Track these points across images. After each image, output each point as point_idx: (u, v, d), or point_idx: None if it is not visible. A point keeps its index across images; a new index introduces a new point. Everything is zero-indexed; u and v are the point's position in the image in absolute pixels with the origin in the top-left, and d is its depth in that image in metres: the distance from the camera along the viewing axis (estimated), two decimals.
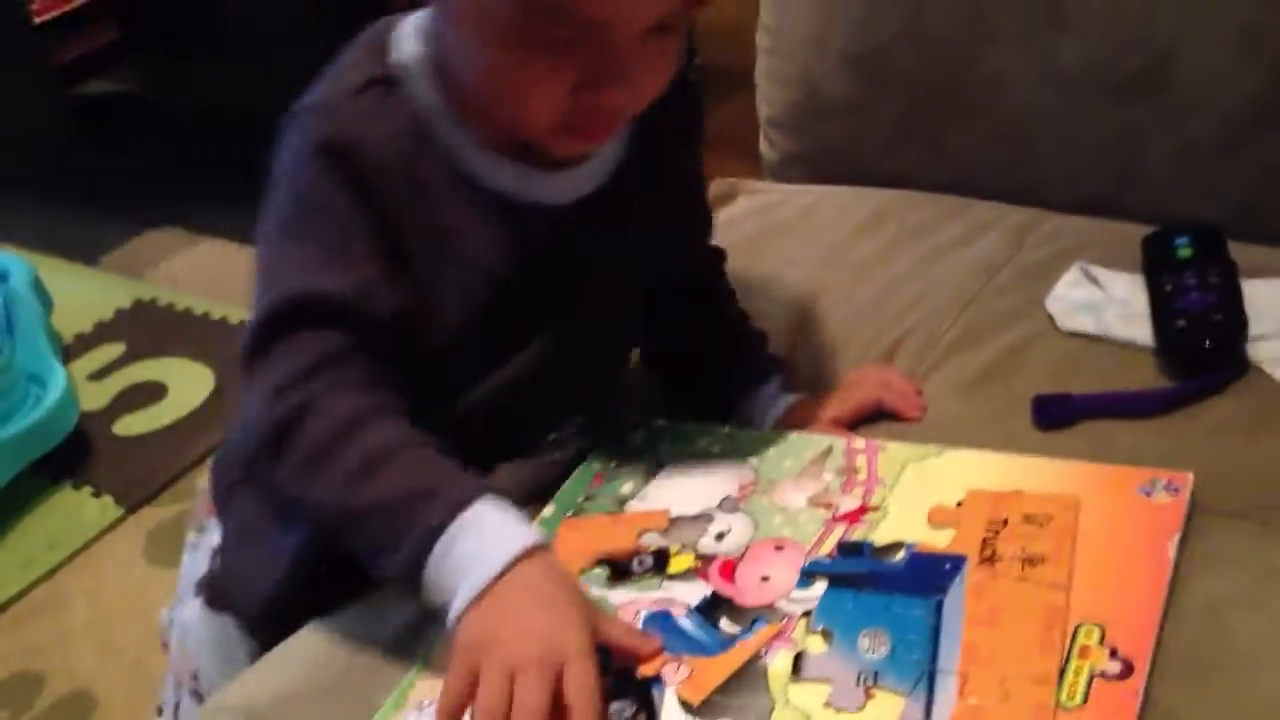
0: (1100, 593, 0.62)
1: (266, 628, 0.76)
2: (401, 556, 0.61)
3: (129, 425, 1.60)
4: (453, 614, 0.60)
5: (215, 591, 0.81)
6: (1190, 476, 0.67)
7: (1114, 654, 0.59)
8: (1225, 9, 0.89)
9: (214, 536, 0.83)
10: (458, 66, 0.68)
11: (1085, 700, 0.57)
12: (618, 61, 0.64)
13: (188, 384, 1.65)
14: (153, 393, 1.65)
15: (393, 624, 0.72)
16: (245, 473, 0.79)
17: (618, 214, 0.74)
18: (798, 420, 0.81)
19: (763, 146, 1.18)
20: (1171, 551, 0.64)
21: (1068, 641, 0.60)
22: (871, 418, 0.81)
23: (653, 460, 0.78)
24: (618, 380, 0.84)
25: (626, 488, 0.76)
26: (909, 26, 1.03)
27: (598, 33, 0.63)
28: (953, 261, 0.96)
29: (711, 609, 0.66)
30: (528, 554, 0.60)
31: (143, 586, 1.36)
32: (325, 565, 0.73)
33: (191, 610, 0.83)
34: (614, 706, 0.60)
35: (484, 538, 0.60)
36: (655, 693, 0.61)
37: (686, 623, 0.65)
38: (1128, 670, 0.58)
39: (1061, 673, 0.58)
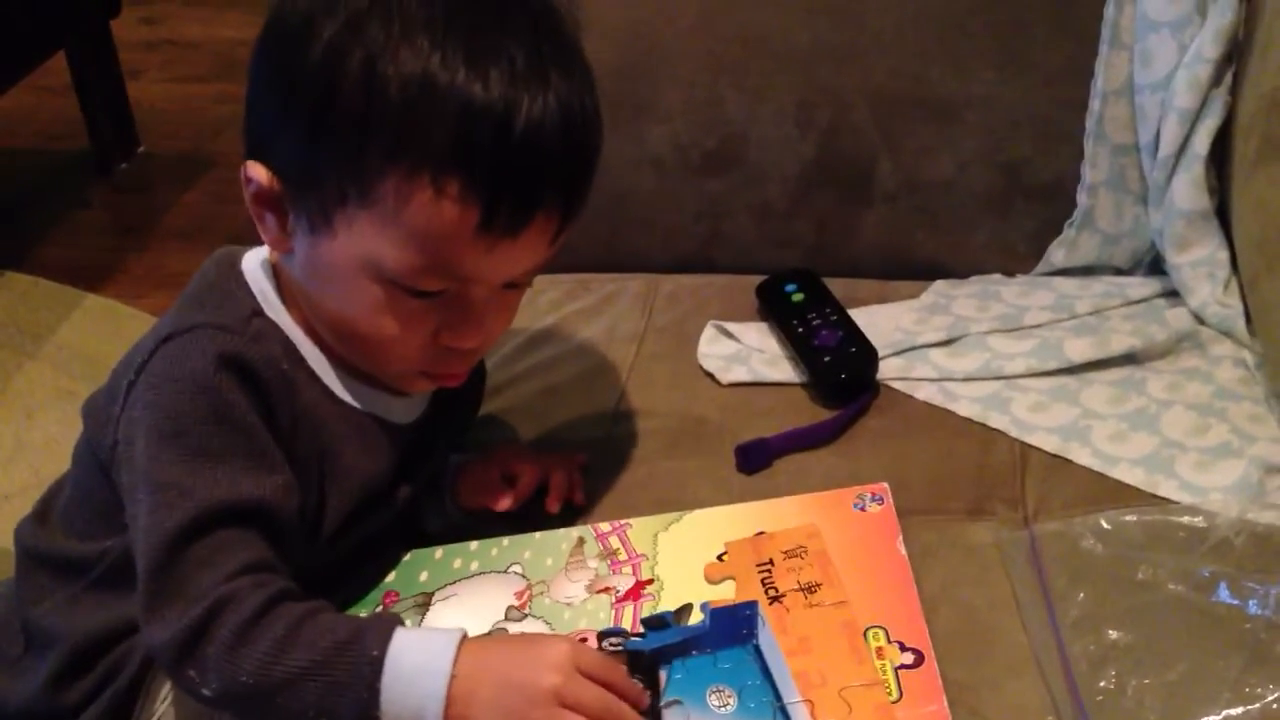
0: (867, 599, 0.74)
1: None
2: (351, 696, 0.66)
3: None
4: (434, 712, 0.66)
5: None
6: (887, 486, 0.82)
7: (904, 647, 0.71)
8: (782, 91, 1.07)
9: None
10: (319, 309, 0.75)
11: (900, 692, 0.69)
12: (478, 310, 0.73)
13: None
14: None
15: None
16: None
17: (435, 428, 0.85)
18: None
19: None
20: (902, 550, 0.77)
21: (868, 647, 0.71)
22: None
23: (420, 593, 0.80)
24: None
25: (408, 623, 0.77)
26: None
27: (466, 285, 0.72)
28: (595, 335, 1.05)
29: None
30: (463, 641, 0.68)
31: None
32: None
33: None
34: None
35: (422, 646, 0.67)
36: (661, 671, 0.69)
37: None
38: (920, 659, 0.70)
39: None
